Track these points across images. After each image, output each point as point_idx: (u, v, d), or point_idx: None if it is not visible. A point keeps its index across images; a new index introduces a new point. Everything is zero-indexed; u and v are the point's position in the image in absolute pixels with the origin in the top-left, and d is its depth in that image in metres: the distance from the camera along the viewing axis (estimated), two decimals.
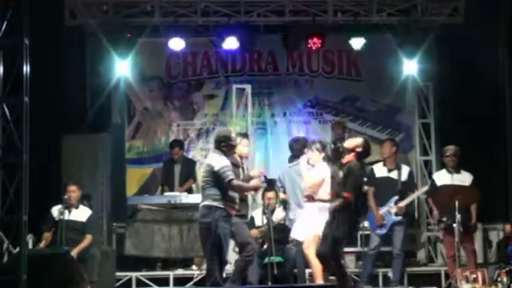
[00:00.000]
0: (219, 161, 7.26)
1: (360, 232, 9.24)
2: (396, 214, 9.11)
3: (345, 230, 7.51)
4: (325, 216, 7.73)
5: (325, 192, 7.79)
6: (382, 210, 9.16)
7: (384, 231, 9.11)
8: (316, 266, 7.76)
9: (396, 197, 9.16)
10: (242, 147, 7.95)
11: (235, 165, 7.76)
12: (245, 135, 8.35)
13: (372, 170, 9.32)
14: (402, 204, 9.17)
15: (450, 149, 9.01)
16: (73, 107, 10.70)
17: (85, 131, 10.36)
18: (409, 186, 9.42)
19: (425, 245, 10.75)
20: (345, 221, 7.46)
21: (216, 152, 7.43)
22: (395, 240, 9.14)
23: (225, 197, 7.21)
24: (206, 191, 7.31)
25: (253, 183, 7.68)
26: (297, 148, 8.72)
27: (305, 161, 8.11)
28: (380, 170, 9.33)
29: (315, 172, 7.90)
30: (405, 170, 9.38)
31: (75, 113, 10.72)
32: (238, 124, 10.14)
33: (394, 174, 9.29)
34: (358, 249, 9.57)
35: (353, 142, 7.78)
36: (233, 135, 7.49)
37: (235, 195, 7.34)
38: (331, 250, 7.52)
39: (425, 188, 9.66)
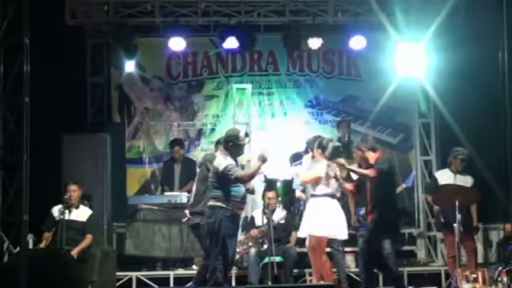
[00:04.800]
0: (223, 162, 7.28)
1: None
2: None
3: None
4: (322, 211, 7.78)
5: (321, 188, 7.88)
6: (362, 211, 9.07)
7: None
8: (327, 266, 7.77)
9: None
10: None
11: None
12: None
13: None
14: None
15: (463, 153, 8.89)
16: (73, 107, 10.70)
17: (85, 131, 10.36)
18: None
19: (425, 245, 10.74)
20: None
21: (221, 153, 7.45)
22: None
23: (229, 197, 7.24)
24: (211, 192, 7.37)
25: (253, 166, 7.54)
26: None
27: (307, 160, 8.13)
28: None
29: (313, 169, 7.95)
30: None
31: (75, 113, 10.73)
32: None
33: None
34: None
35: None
36: (241, 134, 7.50)
37: (242, 194, 7.35)
38: None
39: (404, 186, 9.54)
